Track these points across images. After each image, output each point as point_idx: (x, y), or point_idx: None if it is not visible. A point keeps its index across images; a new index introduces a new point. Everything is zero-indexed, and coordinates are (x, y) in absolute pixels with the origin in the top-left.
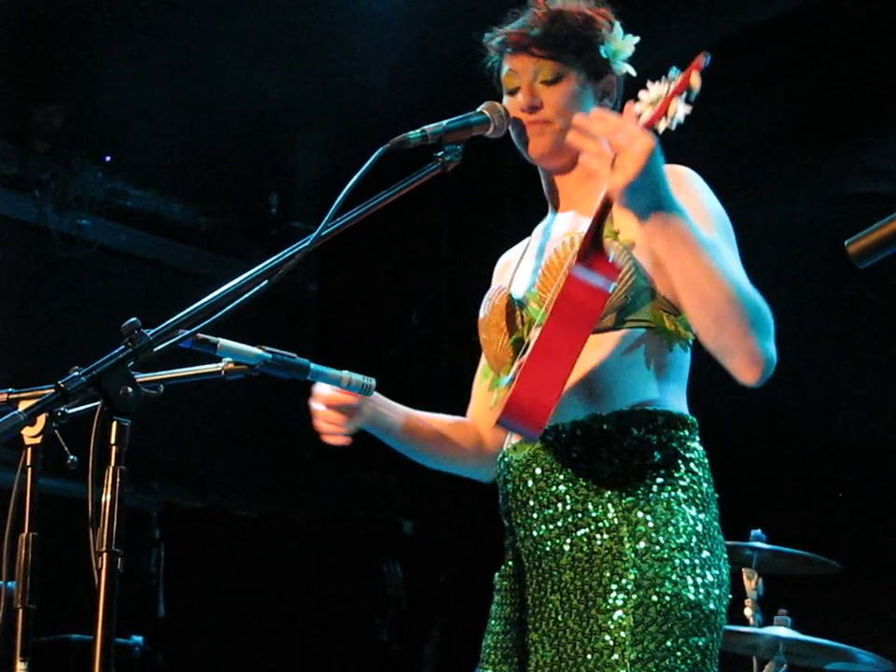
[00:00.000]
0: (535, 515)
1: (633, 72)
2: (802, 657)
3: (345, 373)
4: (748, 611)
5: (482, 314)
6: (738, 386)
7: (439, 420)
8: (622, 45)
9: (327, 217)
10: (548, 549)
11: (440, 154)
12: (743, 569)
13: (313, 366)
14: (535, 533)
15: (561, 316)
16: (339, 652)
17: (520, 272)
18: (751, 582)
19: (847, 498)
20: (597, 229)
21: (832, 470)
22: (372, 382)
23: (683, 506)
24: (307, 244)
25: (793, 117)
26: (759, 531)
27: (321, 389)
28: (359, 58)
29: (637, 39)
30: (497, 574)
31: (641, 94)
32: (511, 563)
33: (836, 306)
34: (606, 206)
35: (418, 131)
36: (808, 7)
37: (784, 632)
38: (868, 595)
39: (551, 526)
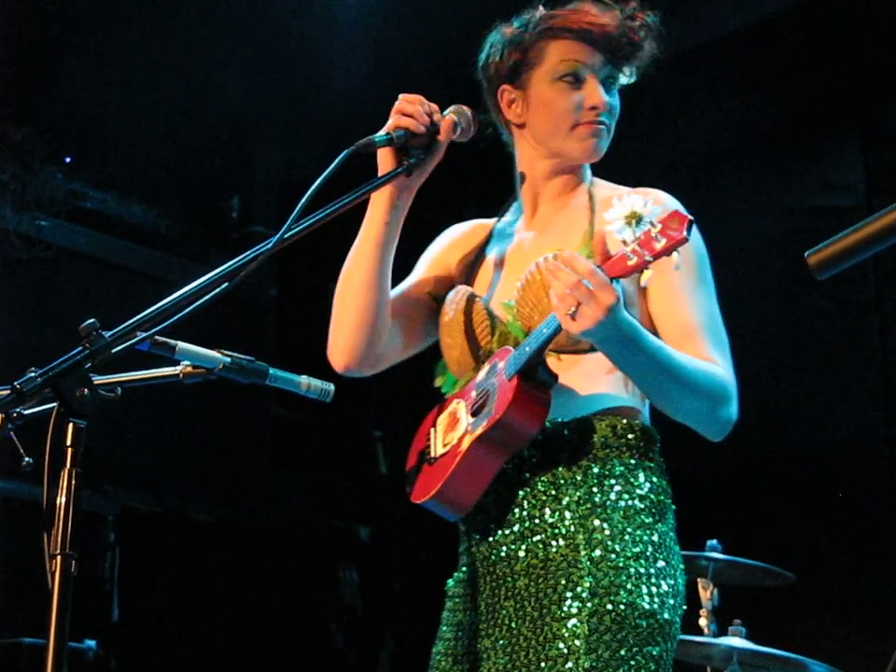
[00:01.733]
0: (491, 519)
1: None
2: (756, 667)
3: (305, 378)
4: (702, 621)
5: (446, 317)
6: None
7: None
8: None
9: (290, 220)
10: (503, 554)
11: (404, 157)
12: (698, 579)
13: (272, 370)
14: (490, 538)
15: (492, 440)
16: (294, 658)
17: (483, 272)
18: (706, 592)
19: (802, 510)
20: (542, 349)
21: (787, 481)
22: (331, 387)
23: (641, 515)
24: (269, 246)
25: (754, 130)
26: (714, 541)
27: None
28: (321, 62)
29: None
30: (450, 580)
31: (615, 205)
32: (464, 569)
33: (794, 318)
34: (555, 331)
35: (383, 135)
36: (770, 21)
37: (738, 642)
38: (822, 606)
39: (507, 531)
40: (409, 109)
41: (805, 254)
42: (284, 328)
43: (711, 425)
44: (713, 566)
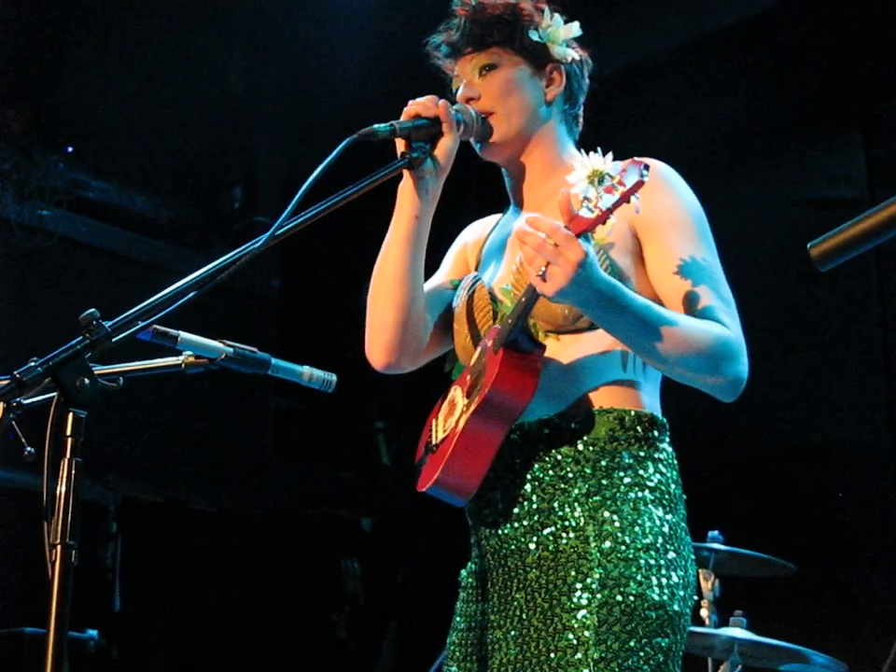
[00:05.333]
0: (500, 513)
1: (577, 56)
2: (756, 658)
3: (307, 369)
4: (704, 612)
5: (455, 304)
6: (696, 389)
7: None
8: (557, 30)
9: (289, 207)
10: (513, 547)
11: (407, 150)
12: (700, 570)
13: (274, 361)
14: (500, 531)
15: (486, 414)
16: (296, 648)
17: (486, 260)
18: (708, 583)
19: (803, 501)
20: (523, 318)
21: (788, 473)
22: (333, 378)
23: (650, 506)
24: (267, 235)
25: (756, 122)
26: (716, 532)
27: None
28: (324, 53)
29: (576, 25)
30: (463, 571)
31: (577, 167)
32: (477, 560)
33: (796, 309)
34: (533, 298)
35: (387, 124)
36: (770, 13)
37: (739, 633)
38: (822, 597)
39: (516, 525)
40: (419, 101)
41: (808, 245)
42: (286, 318)
43: (718, 383)
44: (714, 556)
